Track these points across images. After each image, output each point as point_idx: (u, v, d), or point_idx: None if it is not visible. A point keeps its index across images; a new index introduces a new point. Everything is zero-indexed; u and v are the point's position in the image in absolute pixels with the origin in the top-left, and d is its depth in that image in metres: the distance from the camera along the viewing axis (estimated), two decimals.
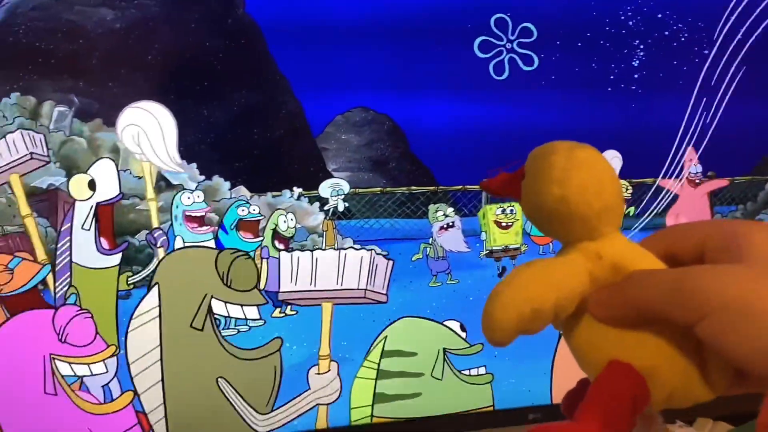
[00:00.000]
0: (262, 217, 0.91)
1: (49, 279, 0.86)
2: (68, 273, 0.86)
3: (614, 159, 1.03)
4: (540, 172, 0.35)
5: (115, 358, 0.88)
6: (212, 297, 0.90)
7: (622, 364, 0.33)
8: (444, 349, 0.99)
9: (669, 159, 1.06)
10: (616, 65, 1.03)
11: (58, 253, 0.86)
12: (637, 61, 1.03)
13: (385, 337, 0.97)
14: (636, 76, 1.04)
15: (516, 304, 0.32)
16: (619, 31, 1.02)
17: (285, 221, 0.92)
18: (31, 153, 0.84)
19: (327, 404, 0.96)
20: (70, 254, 0.86)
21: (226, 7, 0.89)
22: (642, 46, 1.03)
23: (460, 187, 0.99)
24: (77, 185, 0.86)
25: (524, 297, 0.33)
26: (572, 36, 1.01)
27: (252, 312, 0.92)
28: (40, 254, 0.86)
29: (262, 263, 0.91)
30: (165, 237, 0.88)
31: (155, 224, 0.89)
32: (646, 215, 1.07)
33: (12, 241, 0.85)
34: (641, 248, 0.35)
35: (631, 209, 1.07)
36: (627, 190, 1.05)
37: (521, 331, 0.33)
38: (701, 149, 1.07)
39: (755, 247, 0.32)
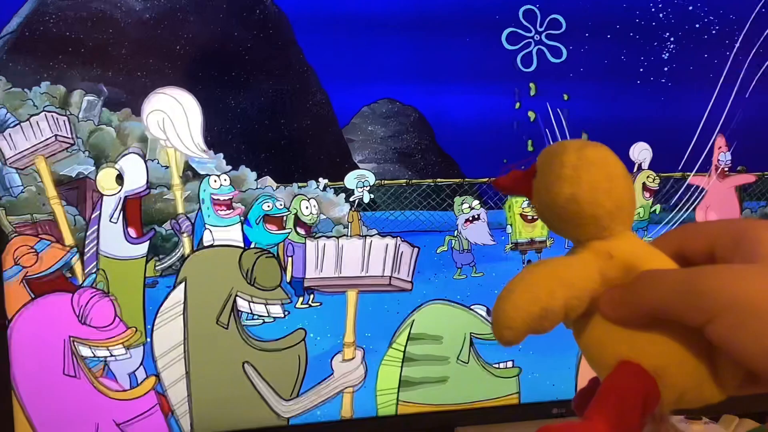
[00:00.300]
0: (286, 212, 0.91)
1: (77, 266, 0.87)
2: (95, 261, 0.87)
3: (643, 151, 1.02)
4: (551, 171, 0.35)
5: (141, 347, 0.89)
6: (237, 295, 0.90)
7: (632, 365, 0.33)
8: (471, 334, 0.99)
9: (698, 152, 1.05)
10: (646, 57, 1.02)
11: (87, 241, 0.86)
12: (667, 54, 1.02)
13: (412, 321, 0.97)
14: (666, 68, 1.02)
15: (526, 304, 0.32)
16: (649, 23, 1.01)
17: (307, 207, 0.92)
18: (56, 135, 0.85)
19: (352, 391, 0.96)
20: (98, 243, 0.86)
21: None
22: (672, 39, 1.02)
23: (485, 179, 0.98)
24: (105, 179, 0.86)
25: (534, 296, 0.33)
26: (601, 28, 0.99)
27: (276, 310, 0.92)
28: (68, 239, 0.86)
29: (287, 260, 0.92)
30: (189, 223, 0.89)
31: (180, 210, 0.89)
32: (675, 209, 1.06)
33: (41, 228, 0.85)
34: (652, 248, 0.35)
35: (657, 207, 1.06)
36: (654, 180, 1.04)
37: (531, 330, 0.33)
38: (731, 143, 1.05)
39: (765, 246, 0.32)
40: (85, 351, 0.88)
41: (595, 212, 0.34)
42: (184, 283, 0.89)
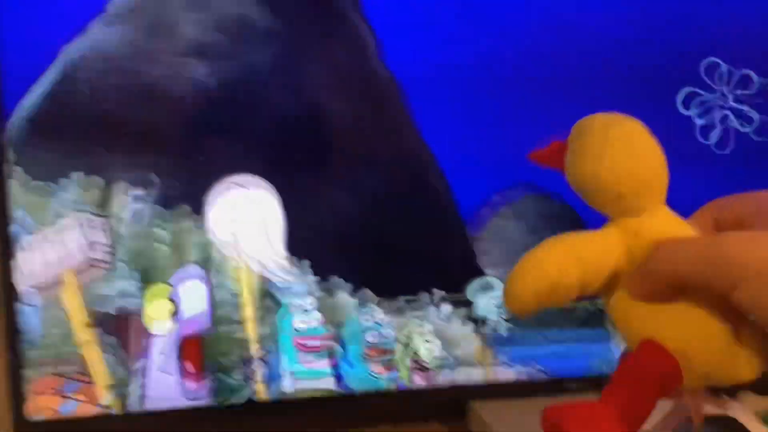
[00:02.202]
0: (395, 345, 0.68)
1: None
2: None
3: None
4: (577, 148, 0.34)
5: None
6: None
7: (654, 345, 0.31)
8: None
9: None
10: None
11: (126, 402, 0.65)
12: None
13: None
14: None
15: (534, 280, 0.32)
16: None
17: (428, 340, 0.69)
18: (91, 242, 0.65)
19: None
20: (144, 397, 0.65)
21: (357, 58, 0.67)
22: None
23: None
24: (155, 312, 0.64)
25: (543, 273, 0.32)
26: None
27: None
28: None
29: None
30: (265, 369, 0.66)
31: (253, 353, 0.67)
32: None
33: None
34: (684, 223, 0.34)
35: None
36: None
37: (540, 303, 0.32)
38: None
39: None
40: None
41: (618, 191, 0.32)
42: None
